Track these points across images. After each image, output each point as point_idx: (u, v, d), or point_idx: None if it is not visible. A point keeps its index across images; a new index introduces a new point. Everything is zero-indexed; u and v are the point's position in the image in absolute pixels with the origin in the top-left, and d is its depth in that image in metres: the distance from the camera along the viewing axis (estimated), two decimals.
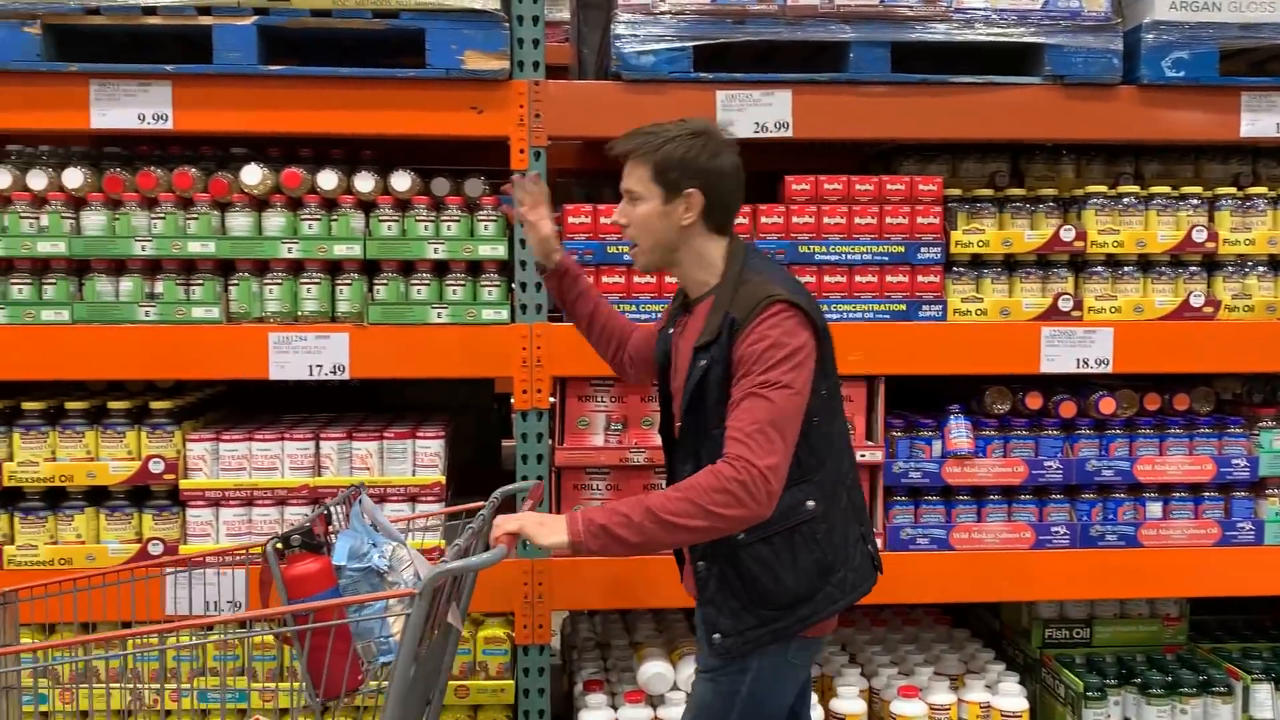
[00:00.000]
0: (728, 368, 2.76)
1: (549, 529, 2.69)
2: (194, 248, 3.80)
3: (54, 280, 3.79)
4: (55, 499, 3.84)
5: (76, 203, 3.84)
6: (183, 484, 3.83)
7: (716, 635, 2.85)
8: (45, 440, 3.80)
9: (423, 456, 3.86)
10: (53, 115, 3.79)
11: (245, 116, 3.81)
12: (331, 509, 3.01)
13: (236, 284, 3.83)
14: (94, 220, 3.81)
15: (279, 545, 2.76)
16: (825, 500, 2.85)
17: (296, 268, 3.84)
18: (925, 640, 4.37)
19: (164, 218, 3.81)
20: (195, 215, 3.82)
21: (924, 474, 3.96)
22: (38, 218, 3.78)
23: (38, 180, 3.81)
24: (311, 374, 3.79)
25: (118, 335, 3.77)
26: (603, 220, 3.91)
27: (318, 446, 3.87)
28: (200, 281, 3.82)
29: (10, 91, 3.72)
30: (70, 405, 3.83)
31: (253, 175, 3.83)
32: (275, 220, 3.83)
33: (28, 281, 3.78)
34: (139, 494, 3.88)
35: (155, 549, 3.85)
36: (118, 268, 3.83)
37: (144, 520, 3.84)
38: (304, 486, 3.85)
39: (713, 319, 2.82)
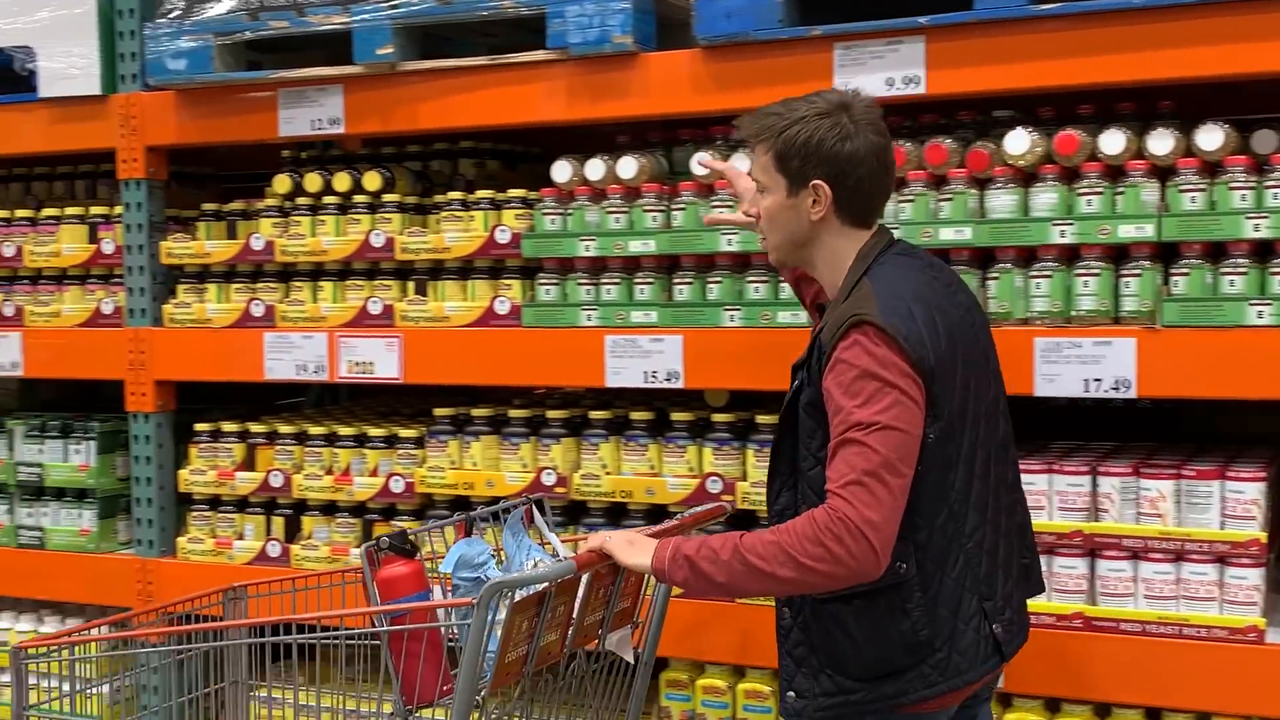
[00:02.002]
0: (818, 394, 2.45)
1: (636, 549, 2.50)
2: (946, 235, 3.12)
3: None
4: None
5: None
6: None
7: (790, 694, 2.56)
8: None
9: (1234, 504, 2.92)
10: (795, 88, 3.22)
11: (1009, 71, 3.12)
12: (476, 519, 2.87)
13: (996, 277, 3.07)
14: None
15: (373, 549, 2.67)
16: (927, 564, 2.44)
17: (1070, 255, 2.97)
18: None
19: (912, 200, 3.11)
20: (949, 195, 3.08)
21: None
22: None
23: None
24: (1088, 390, 3.06)
25: None
26: None
27: (1094, 483, 2.99)
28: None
29: (750, 65, 3.35)
30: (762, 419, 3.26)
31: (1018, 143, 3.08)
32: (1045, 197, 3.08)
33: (764, 279, 3.36)
34: None
35: None
36: None
37: None
38: (1076, 533, 2.99)
39: (815, 333, 2.52)
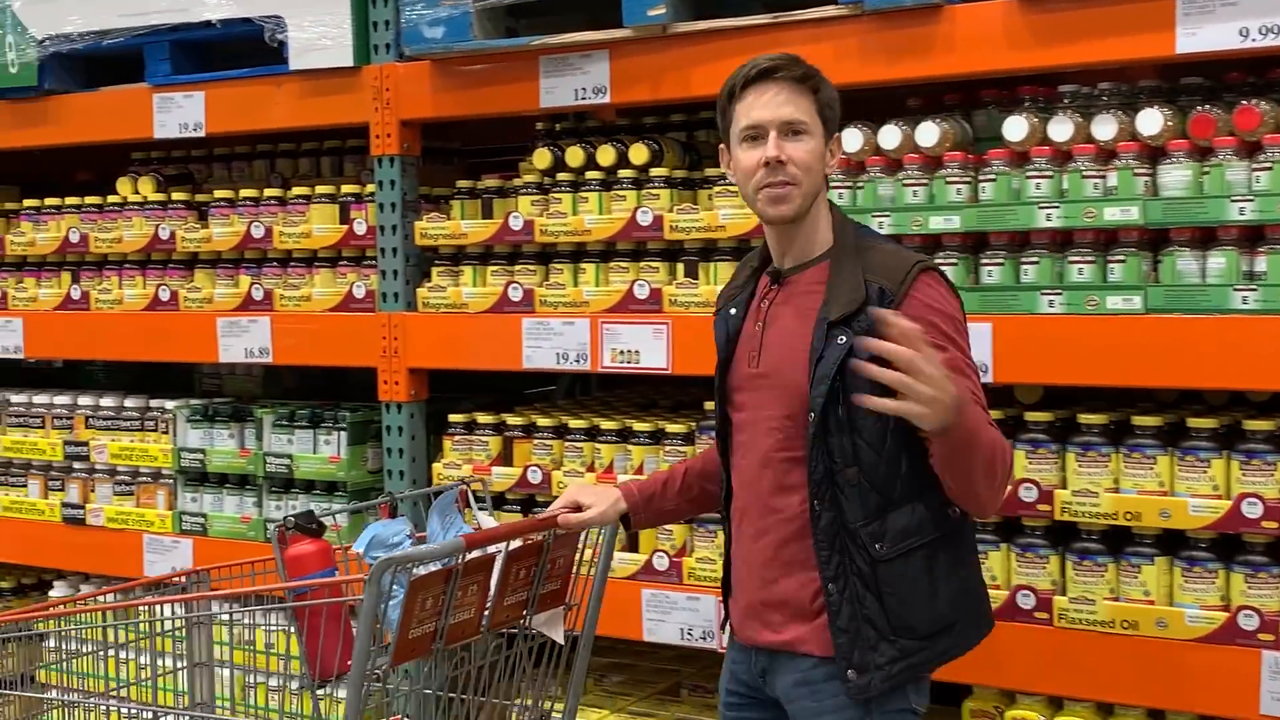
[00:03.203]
0: None
1: (942, 407, 2.31)
2: None
3: (1122, 256, 2.92)
4: (1118, 542, 2.96)
5: (1152, 154, 2.93)
6: None
7: (851, 673, 2.52)
8: (1107, 464, 2.96)
9: None
10: (1131, 41, 2.95)
11: None
12: (399, 499, 3.10)
13: None
14: (1175, 176, 2.93)
15: (282, 528, 2.82)
16: (966, 513, 2.58)
17: None
18: None
19: (1270, 168, 2.78)
20: None
21: None
22: (1104, 176, 2.95)
23: (1105, 128, 2.96)
24: None
25: (1201, 328, 2.87)
26: None
27: None
28: None
29: (1078, 16, 3.16)
30: (1138, 421, 2.95)
31: None
32: None
33: (1090, 260, 2.97)
34: (1227, 544, 2.90)
35: (1248, 621, 2.95)
36: (1204, 238, 2.90)
37: (1232, 581, 2.86)
38: None
39: (840, 288, 2.53)
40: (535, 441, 3.82)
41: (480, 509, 3.02)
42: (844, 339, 2.48)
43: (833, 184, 3.35)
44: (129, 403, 4.55)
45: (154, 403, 4.52)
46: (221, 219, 4.29)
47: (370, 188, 4.02)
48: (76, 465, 4.59)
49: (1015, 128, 3.15)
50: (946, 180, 3.20)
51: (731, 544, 2.74)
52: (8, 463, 4.74)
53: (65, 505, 4.56)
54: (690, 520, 3.56)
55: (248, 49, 4.17)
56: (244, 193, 4.29)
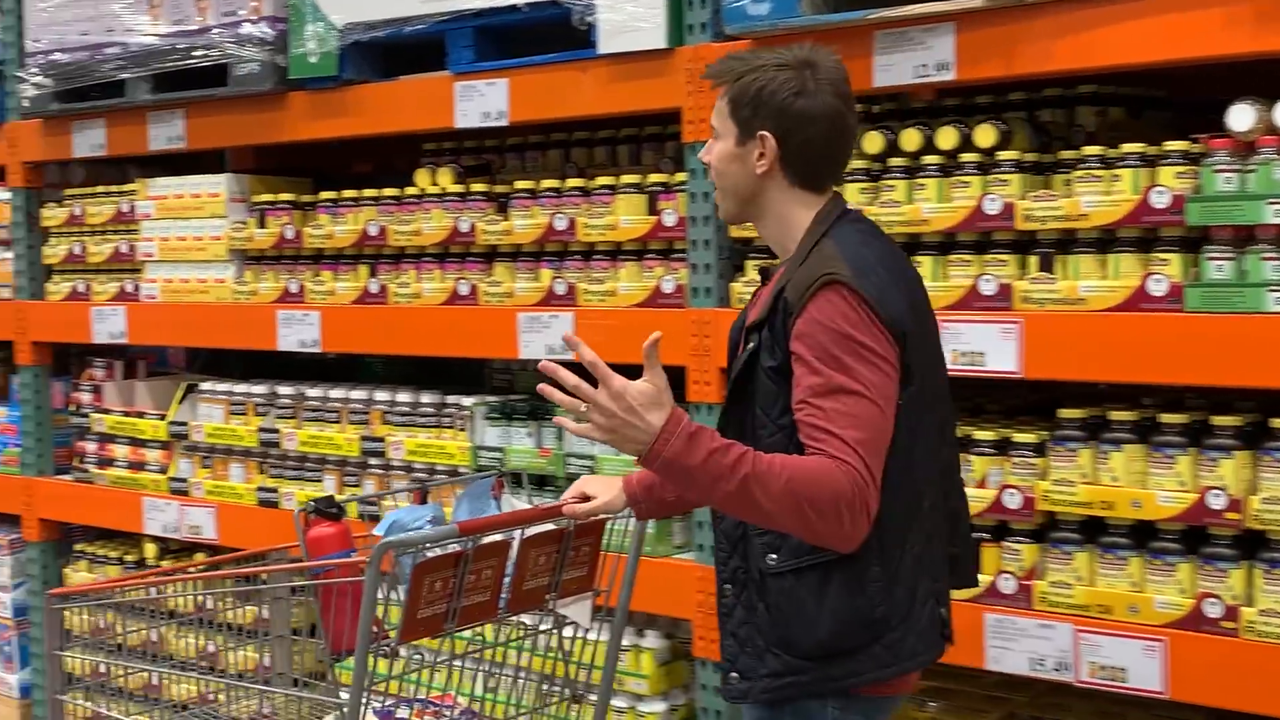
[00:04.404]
0: (784, 357, 2.42)
1: (623, 439, 2.34)
2: None
3: None
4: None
5: None
6: None
7: (734, 675, 2.53)
8: None
9: None
10: None
11: None
12: (429, 487, 3.33)
13: None
14: None
15: (304, 513, 2.98)
16: (886, 538, 2.40)
17: None
18: None
19: None
20: None
21: None
22: None
23: None
24: None
25: None
26: None
27: None
28: None
29: None
30: None
31: None
32: None
33: None
34: None
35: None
36: None
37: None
38: None
39: (773, 295, 2.49)
40: None
41: (515, 495, 3.14)
42: (753, 344, 2.51)
43: (1218, 168, 2.95)
44: (425, 398, 4.40)
45: (450, 399, 4.36)
46: (522, 210, 4.09)
47: (680, 176, 3.76)
48: (372, 461, 4.47)
49: None
50: None
51: None
52: (303, 457, 4.66)
53: (361, 501, 4.44)
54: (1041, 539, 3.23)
55: (549, 33, 3.96)
56: (545, 183, 4.08)
